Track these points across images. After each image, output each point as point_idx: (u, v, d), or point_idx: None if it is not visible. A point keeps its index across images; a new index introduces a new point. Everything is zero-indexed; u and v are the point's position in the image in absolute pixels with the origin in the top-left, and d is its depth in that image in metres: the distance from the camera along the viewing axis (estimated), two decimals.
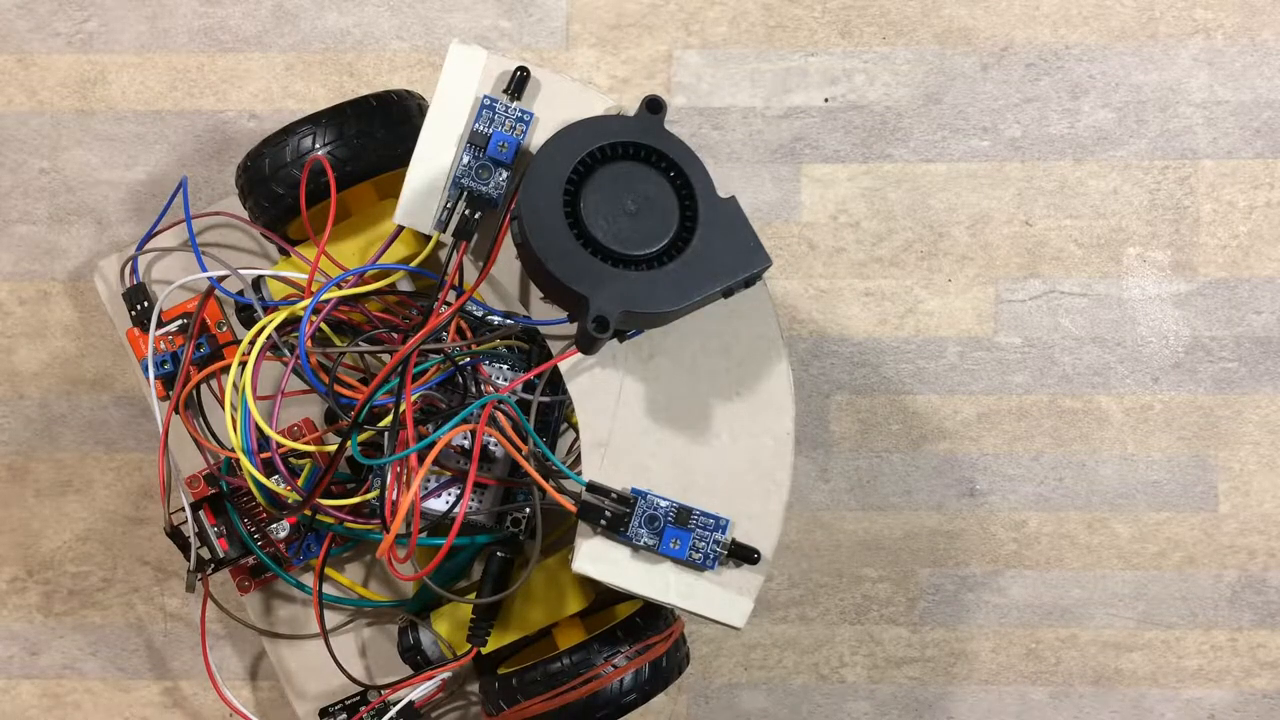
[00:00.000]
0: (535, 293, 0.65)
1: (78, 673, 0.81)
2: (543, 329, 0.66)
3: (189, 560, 0.71)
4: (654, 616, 0.69)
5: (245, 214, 0.74)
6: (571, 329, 0.65)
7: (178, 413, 0.70)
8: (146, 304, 0.74)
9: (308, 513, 0.68)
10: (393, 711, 0.70)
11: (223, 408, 0.69)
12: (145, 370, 0.72)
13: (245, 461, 0.66)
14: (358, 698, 0.73)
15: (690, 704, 0.81)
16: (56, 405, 0.81)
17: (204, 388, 0.72)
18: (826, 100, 0.83)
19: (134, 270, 0.75)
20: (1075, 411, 0.81)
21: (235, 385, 0.66)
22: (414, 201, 0.64)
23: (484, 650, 0.69)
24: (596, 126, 0.61)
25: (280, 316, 0.67)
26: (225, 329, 0.74)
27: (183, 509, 0.71)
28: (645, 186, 0.61)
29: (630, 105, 0.63)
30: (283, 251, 0.73)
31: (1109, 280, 0.82)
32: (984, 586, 0.81)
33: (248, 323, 0.69)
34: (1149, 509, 0.81)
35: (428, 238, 0.66)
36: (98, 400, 0.81)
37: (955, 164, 0.82)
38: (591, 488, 0.63)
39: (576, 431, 0.64)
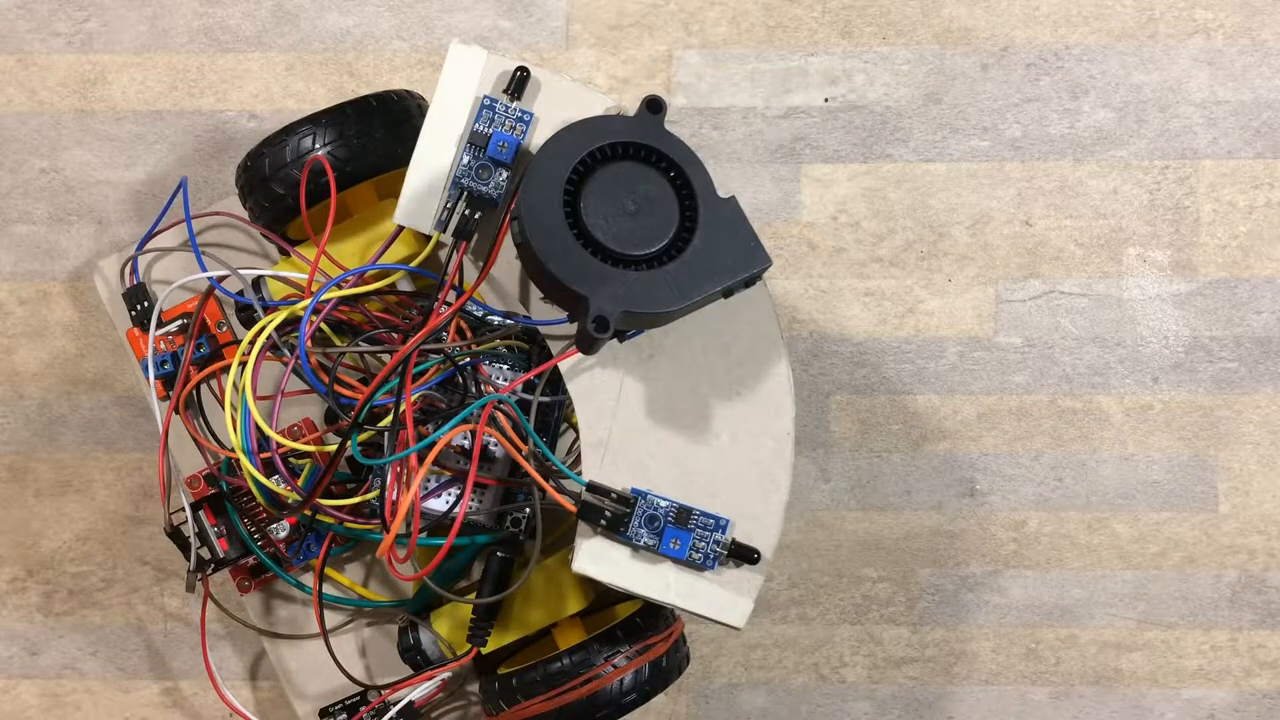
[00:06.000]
0: (535, 293, 0.65)
1: (78, 673, 0.81)
2: (543, 329, 0.66)
3: (189, 560, 0.71)
4: (654, 616, 0.69)
5: (245, 214, 0.74)
6: (571, 329, 0.65)
7: (178, 413, 0.70)
8: (146, 304, 0.74)
9: (308, 513, 0.68)
10: (393, 711, 0.70)
11: (223, 408, 0.69)
12: (145, 370, 0.72)
13: (245, 461, 0.66)
14: (358, 698, 0.73)
15: (690, 704, 0.81)
16: (56, 405, 0.81)
17: (204, 388, 0.72)
18: (826, 100, 0.83)
19: (134, 270, 0.75)
20: (1075, 411, 0.81)
21: (235, 385, 0.66)
22: (414, 201, 0.64)
23: (484, 650, 0.69)
24: (596, 126, 0.61)
25: (280, 316, 0.67)
26: (225, 329, 0.74)
27: (183, 509, 0.71)
28: (645, 186, 0.61)
29: (630, 105, 0.63)
30: (283, 251, 0.73)
31: (1109, 280, 0.82)
32: (984, 586, 0.81)
33: (248, 323, 0.69)
34: (1149, 509, 0.81)
35: (428, 238, 0.66)
36: (98, 400, 0.81)
37: (955, 164, 0.82)
38: (591, 488, 0.63)
39: (576, 431, 0.64)
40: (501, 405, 0.64)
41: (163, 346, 0.73)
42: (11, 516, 0.81)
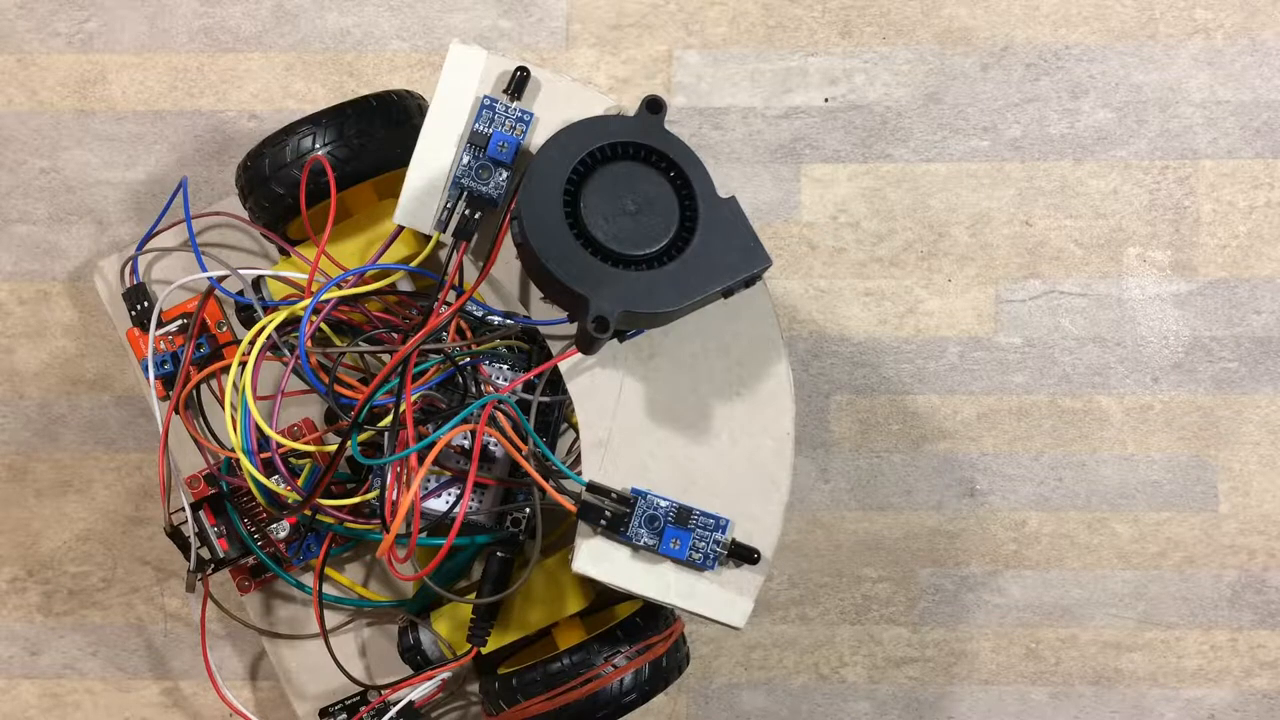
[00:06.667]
0: (535, 293, 0.65)
1: (78, 673, 0.81)
2: (543, 329, 0.66)
3: (189, 560, 0.71)
4: (654, 616, 0.69)
5: (245, 214, 0.74)
6: (571, 329, 0.65)
7: (178, 413, 0.70)
8: (146, 304, 0.74)
9: (308, 513, 0.68)
10: (393, 711, 0.70)
11: (223, 408, 0.69)
12: (145, 370, 0.72)
13: (245, 461, 0.66)
14: (358, 698, 0.73)
15: (690, 704, 0.81)
16: (56, 405, 0.81)
17: (204, 388, 0.72)
18: (826, 100, 0.83)
19: (134, 270, 0.75)
20: (1075, 411, 0.81)
21: (235, 385, 0.66)
22: (414, 201, 0.64)
23: (484, 650, 0.69)
24: (596, 126, 0.61)
25: (280, 316, 0.67)
26: (225, 329, 0.74)
27: (183, 509, 0.71)
28: (645, 186, 0.61)
29: (630, 105, 0.63)
30: (283, 251, 0.73)
31: (1109, 280, 0.82)
32: (984, 586, 0.81)
33: (248, 323, 0.69)
34: (1149, 509, 0.81)
35: (428, 238, 0.66)
36: (98, 400, 0.81)
37: (955, 164, 0.82)
38: (591, 488, 0.63)
39: (576, 431, 0.64)
40: (501, 405, 0.64)
41: (163, 346, 0.73)
42: (11, 516, 0.81)
